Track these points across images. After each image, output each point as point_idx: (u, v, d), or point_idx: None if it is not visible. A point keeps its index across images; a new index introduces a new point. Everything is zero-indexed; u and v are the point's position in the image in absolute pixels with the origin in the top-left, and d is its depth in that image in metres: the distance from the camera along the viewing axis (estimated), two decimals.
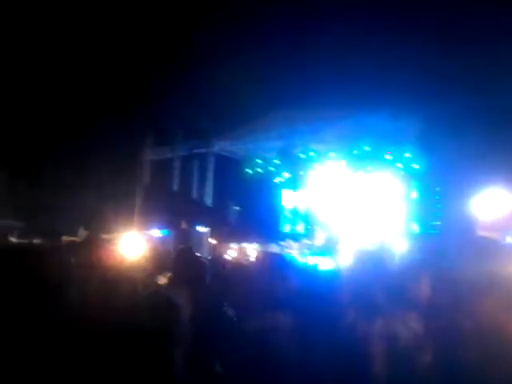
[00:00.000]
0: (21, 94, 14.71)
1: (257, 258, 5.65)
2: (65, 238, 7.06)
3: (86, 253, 4.15)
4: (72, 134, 14.85)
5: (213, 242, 17.56)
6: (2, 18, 13.22)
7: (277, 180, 16.89)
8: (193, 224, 10.09)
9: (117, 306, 3.62)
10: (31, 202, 13.72)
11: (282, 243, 15.91)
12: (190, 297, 3.47)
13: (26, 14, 13.89)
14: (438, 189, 13.45)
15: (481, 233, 10.19)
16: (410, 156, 13.86)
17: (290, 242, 15.84)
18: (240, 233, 16.02)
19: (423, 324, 2.46)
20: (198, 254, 6.29)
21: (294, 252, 14.42)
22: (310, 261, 12.05)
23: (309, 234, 15.45)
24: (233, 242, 18.46)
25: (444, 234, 11.93)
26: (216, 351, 3.16)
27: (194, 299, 3.50)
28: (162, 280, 4.29)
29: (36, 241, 6.78)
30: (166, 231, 12.49)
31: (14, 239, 8.87)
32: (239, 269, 5.08)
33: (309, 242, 15.23)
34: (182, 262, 4.29)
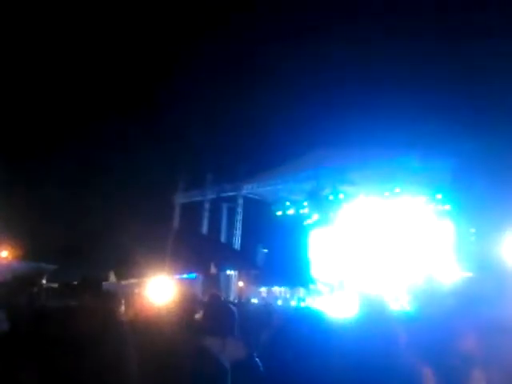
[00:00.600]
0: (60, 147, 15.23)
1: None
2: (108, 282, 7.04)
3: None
4: (105, 177, 15.20)
5: (240, 285, 17.36)
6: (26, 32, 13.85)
7: (306, 222, 16.69)
8: (221, 267, 10.00)
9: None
10: (63, 245, 13.92)
11: (311, 287, 15.61)
12: (221, 346, 3.35)
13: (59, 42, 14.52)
14: (472, 230, 13.07)
15: None
16: (442, 197, 13.57)
17: (321, 285, 15.52)
18: (268, 276, 15.80)
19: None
20: (229, 301, 6.16)
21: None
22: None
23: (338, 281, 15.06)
24: (261, 285, 18.22)
25: (481, 277, 11.46)
26: None
27: (225, 349, 3.36)
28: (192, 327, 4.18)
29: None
30: (193, 275, 12.37)
31: (44, 282, 8.92)
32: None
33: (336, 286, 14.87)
34: (213, 308, 4.16)
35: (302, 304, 13.42)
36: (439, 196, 13.71)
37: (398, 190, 13.89)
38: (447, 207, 13.60)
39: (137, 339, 3.48)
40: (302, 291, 15.68)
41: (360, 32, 13.72)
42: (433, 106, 12.74)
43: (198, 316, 4.18)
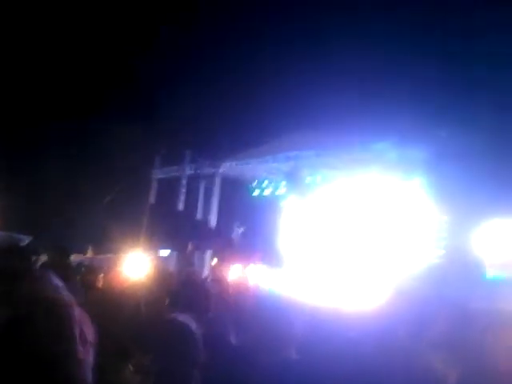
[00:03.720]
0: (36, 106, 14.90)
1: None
2: (74, 256, 7.01)
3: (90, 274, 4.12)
4: (83, 151, 14.97)
5: (214, 263, 17.45)
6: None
7: (282, 202, 16.81)
8: (198, 246, 10.04)
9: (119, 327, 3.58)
10: (38, 216, 13.72)
11: (284, 267, 15.80)
12: (196, 322, 3.41)
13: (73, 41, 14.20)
14: (444, 217, 13.36)
15: (490, 270, 10.08)
16: (418, 183, 13.81)
17: (294, 266, 15.73)
18: (243, 255, 15.90)
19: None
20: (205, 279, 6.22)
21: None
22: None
23: (312, 259, 15.30)
24: (235, 263, 18.34)
25: (448, 265, 11.78)
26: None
27: (199, 326, 3.43)
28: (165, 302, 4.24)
29: (43, 256, 6.73)
30: (168, 251, 12.36)
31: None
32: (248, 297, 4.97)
33: (311, 266, 15.10)
34: (189, 286, 4.23)
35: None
36: (416, 181, 13.94)
37: (374, 174, 14.09)
38: (422, 192, 13.84)
39: (111, 307, 3.52)
40: (275, 271, 15.86)
41: (340, 14, 13.73)
42: (409, 93, 12.87)
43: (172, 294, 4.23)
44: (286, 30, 14.59)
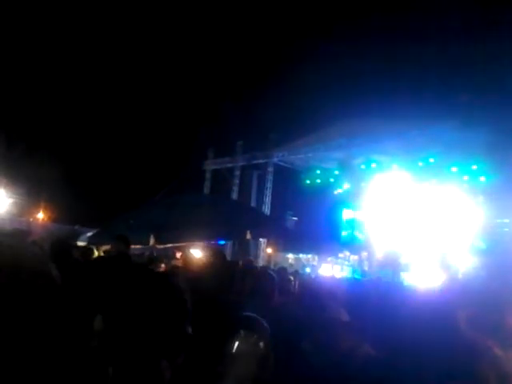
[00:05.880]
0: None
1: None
2: (133, 247, 7.28)
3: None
4: (142, 146, 15.50)
5: (269, 251, 17.62)
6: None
7: (336, 191, 16.63)
8: (255, 235, 10.15)
9: None
10: (100, 209, 14.39)
11: (339, 255, 15.70)
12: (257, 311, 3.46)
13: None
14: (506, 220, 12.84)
15: None
16: (477, 168, 13.27)
17: (348, 254, 15.60)
18: (297, 243, 15.96)
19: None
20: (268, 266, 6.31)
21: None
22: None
23: (368, 246, 15.10)
24: (289, 251, 18.47)
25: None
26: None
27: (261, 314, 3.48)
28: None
29: (105, 247, 7.05)
30: (223, 241, 12.58)
31: (83, 244, 9.28)
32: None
33: (367, 254, 14.93)
34: (250, 274, 4.30)
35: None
36: (475, 167, 13.40)
37: (431, 160, 13.63)
38: (482, 179, 13.30)
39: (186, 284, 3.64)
40: (329, 259, 15.81)
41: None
42: (468, 74, 12.36)
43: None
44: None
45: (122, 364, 2.13)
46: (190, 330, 2.42)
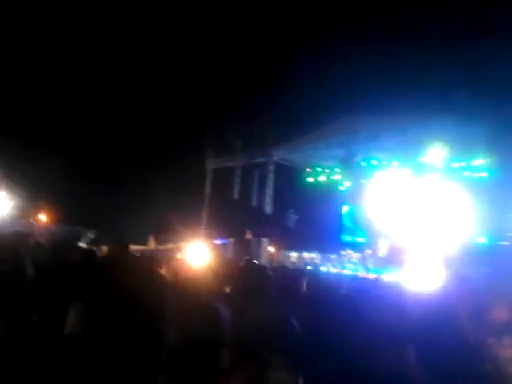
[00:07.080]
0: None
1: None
2: (132, 247, 7.29)
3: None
4: (141, 147, 15.51)
5: (271, 250, 17.62)
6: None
7: (338, 189, 16.59)
8: (256, 234, 10.12)
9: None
10: (101, 210, 14.39)
11: (342, 253, 15.66)
12: (253, 308, 3.45)
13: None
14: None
15: None
16: (478, 164, 13.21)
17: (351, 252, 15.55)
18: (299, 241, 15.94)
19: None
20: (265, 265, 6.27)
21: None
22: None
23: (371, 244, 15.06)
24: (292, 250, 18.46)
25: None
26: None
27: (257, 310, 3.47)
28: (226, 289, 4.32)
29: (104, 248, 7.05)
30: (224, 240, 12.58)
31: (84, 245, 9.29)
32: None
33: (370, 252, 14.88)
34: (249, 272, 4.28)
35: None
36: (475, 163, 13.35)
37: (432, 156, 13.57)
38: (483, 174, 13.25)
39: (176, 293, 3.64)
40: (332, 257, 15.77)
41: None
42: (468, 69, 12.29)
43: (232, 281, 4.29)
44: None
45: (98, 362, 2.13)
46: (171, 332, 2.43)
